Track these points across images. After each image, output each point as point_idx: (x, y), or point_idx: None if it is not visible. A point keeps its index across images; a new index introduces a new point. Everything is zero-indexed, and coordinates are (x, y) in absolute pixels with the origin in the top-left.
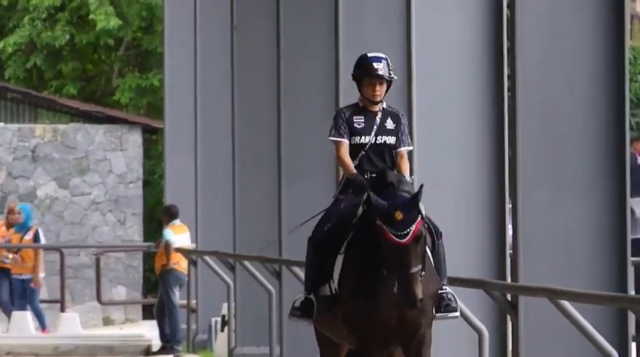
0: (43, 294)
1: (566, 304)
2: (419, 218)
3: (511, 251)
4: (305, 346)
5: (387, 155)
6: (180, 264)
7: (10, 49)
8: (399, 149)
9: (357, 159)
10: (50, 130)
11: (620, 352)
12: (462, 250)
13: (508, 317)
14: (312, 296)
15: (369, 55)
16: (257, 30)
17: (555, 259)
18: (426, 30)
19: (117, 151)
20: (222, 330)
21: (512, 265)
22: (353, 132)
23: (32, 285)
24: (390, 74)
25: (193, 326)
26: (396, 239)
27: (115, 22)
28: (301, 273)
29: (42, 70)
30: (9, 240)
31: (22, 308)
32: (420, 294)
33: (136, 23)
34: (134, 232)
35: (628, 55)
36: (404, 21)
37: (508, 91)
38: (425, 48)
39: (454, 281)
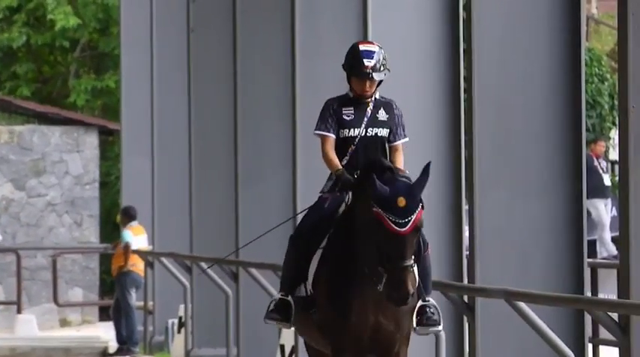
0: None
1: (522, 305)
2: (420, 207)
3: (467, 253)
4: (262, 348)
5: (379, 149)
6: (137, 265)
7: None
8: (394, 143)
9: (348, 154)
10: (6, 131)
11: (576, 353)
12: None
13: (465, 318)
14: (289, 297)
15: (361, 48)
16: (213, 32)
17: (512, 261)
18: (382, 31)
19: (73, 153)
20: (179, 332)
21: (468, 266)
22: (342, 124)
23: None
24: (380, 71)
25: (150, 328)
26: (396, 227)
27: (74, 21)
28: (258, 275)
29: None
30: None
31: None
32: (411, 289)
33: (92, 24)
34: (90, 234)
35: (584, 56)
36: (360, 21)
37: (464, 92)
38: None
39: None
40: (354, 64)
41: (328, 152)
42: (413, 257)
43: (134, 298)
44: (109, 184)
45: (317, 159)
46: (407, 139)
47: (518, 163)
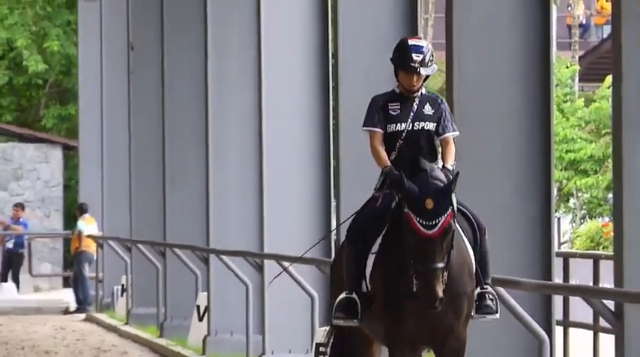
0: None
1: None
2: (450, 210)
3: None
4: (182, 308)
5: (426, 142)
6: (90, 247)
7: None
8: (443, 136)
9: (396, 149)
10: None
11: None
12: None
13: None
14: (353, 295)
15: (410, 42)
16: (147, 72)
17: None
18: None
19: (43, 163)
20: (121, 295)
21: None
22: (388, 119)
23: None
24: (428, 66)
25: (100, 292)
26: (423, 230)
27: (42, 66)
28: (181, 254)
29: None
30: None
31: None
32: (440, 293)
33: (58, 68)
34: (56, 223)
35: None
36: (255, 42)
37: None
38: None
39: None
40: (403, 58)
41: (376, 147)
42: (445, 260)
43: (87, 271)
44: (70, 186)
45: (229, 171)
46: (457, 133)
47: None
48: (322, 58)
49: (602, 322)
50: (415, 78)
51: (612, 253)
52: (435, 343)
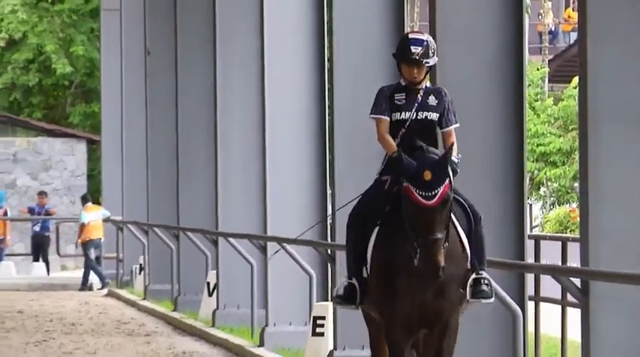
0: (21, 249)
1: None
2: (447, 181)
3: None
4: (194, 284)
5: (429, 131)
6: (94, 233)
7: None
8: (446, 129)
9: (399, 137)
10: (25, 141)
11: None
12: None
13: None
14: (353, 281)
15: (410, 36)
16: (163, 75)
17: None
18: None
19: (69, 156)
20: (139, 273)
21: None
22: (394, 108)
23: (2, 246)
24: (429, 57)
25: (120, 271)
26: (423, 200)
27: (68, 69)
28: (193, 236)
29: (20, 101)
30: None
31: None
32: (442, 261)
33: (82, 71)
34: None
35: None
36: (260, 62)
37: (328, 107)
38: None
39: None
40: (403, 50)
41: (383, 134)
42: (444, 231)
43: (93, 254)
44: (93, 176)
45: (235, 163)
46: (457, 125)
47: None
48: (319, 63)
49: (570, 298)
50: (416, 70)
51: (579, 236)
52: (428, 325)
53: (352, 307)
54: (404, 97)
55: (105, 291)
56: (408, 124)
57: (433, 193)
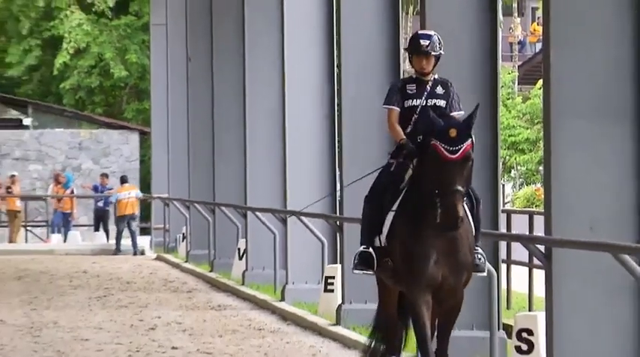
0: (85, 221)
1: None
2: (469, 141)
3: None
4: (228, 250)
5: (438, 115)
6: (127, 209)
7: (67, 87)
8: (452, 114)
9: (412, 122)
10: (88, 133)
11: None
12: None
13: None
14: (369, 249)
15: (419, 32)
16: (201, 77)
17: None
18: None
19: (125, 145)
20: (182, 241)
21: None
22: (405, 96)
23: (70, 218)
24: (435, 50)
25: (167, 239)
26: (448, 154)
27: (124, 73)
28: (226, 210)
29: (84, 99)
30: (57, 192)
31: (67, 230)
32: (461, 212)
33: (135, 74)
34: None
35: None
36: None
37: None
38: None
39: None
40: (414, 44)
41: (393, 123)
42: (464, 186)
43: (122, 229)
44: (144, 161)
45: (260, 149)
46: (462, 112)
47: None
48: (329, 67)
49: (536, 262)
50: (425, 61)
51: (543, 211)
52: (439, 296)
53: (370, 272)
54: (415, 87)
55: (154, 255)
56: (418, 109)
57: (457, 147)
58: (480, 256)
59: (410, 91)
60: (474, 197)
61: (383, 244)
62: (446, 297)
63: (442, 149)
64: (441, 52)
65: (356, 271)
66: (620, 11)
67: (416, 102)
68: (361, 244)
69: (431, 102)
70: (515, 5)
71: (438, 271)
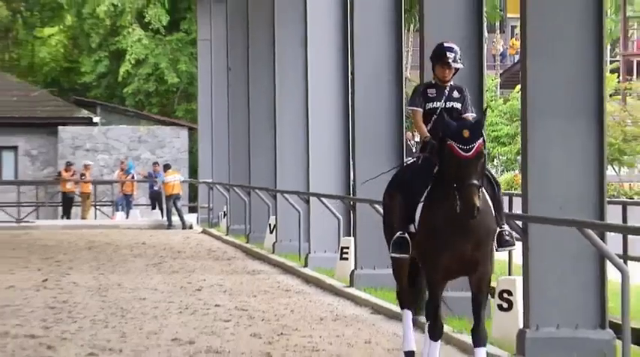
0: (143, 201)
1: None
2: (481, 139)
3: None
4: (261, 225)
5: (454, 117)
6: (174, 189)
7: (129, 91)
8: (465, 115)
9: (432, 121)
10: (146, 128)
11: None
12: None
13: None
14: (405, 235)
15: (445, 45)
16: (240, 85)
17: None
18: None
19: (176, 138)
20: (224, 218)
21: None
22: (427, 99)
23: (131, 199)
24: (457, 62)
25: (211, 216)
26: (462, 153)
27: (176, 79)
28: (259, 193)
29: (143, 101)
30: (121, 178)
31: (128, 208)
32: (478, 203)
33: (185, 81)
34: (184, 175)
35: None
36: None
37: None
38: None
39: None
40: (440, 55)
41: (418, 122)
42: (479, 180)
43: (171, 207)
44: (193, 153)
45: (287, 142)
46: (474, 114)
47: None
48: (344, 74)
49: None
50: (447, 71)
51: (520, 193)
52: (466, 272)
53: (406, 255)
54: (435, 91)
55: (200, 228)
56: (438, 111)
57: (470, 146)
58: (507, 232)
59: (430, 95)
60: (495, 182)
61: (416, 229)
62: (472, 269)
63: (457, 149)
64: (462, 65)
65: (393, 255)
66: (586, 26)
67: (436, 104)
68: (398, 230)
69: (449, 104)
70: (497, 24)
71: (463, 250)
